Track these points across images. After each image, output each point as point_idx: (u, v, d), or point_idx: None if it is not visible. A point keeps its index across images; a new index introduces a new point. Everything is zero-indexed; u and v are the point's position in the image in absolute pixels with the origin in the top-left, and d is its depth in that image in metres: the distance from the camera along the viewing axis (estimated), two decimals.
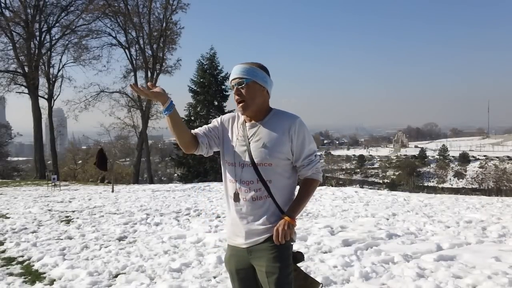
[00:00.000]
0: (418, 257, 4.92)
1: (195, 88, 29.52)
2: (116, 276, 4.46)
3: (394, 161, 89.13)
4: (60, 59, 30.38)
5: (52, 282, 4.35)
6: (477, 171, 62.97)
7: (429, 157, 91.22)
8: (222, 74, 29.82)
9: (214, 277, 4.28)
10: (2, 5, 27.84)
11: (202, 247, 5.73)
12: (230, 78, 2.06)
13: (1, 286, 4.21)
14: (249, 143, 2.02)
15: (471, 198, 14.51)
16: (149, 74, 29.88)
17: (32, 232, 7.05)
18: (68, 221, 8.32)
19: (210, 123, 2.23)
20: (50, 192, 16.36)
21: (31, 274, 4.65)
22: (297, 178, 2.10)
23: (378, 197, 13.11)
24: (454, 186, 64.83)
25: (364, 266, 4.56)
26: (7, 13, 28.24)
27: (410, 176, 68.62)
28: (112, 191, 15.98)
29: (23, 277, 4.55)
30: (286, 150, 1.99)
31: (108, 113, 30.04)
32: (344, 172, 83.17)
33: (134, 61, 30.42)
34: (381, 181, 71.50)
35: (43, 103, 29.41)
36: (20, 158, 73.15)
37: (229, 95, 29.29)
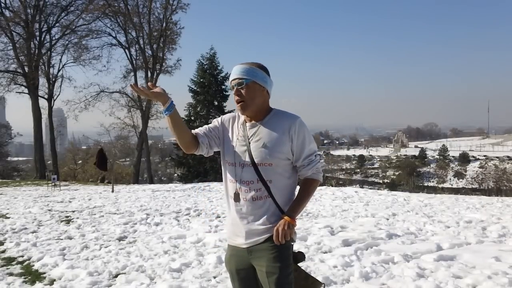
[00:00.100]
0: (418, 257, 4.92)
1: (195, 88, 29.53)
2: (116, 276, 4.46)
3: (394, 161, 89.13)
4: (60, 59, 30.45)
5: (52, 282, 4.35)
6: (477, 171, 62.95)
7: (429, 157, 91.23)
8: (222, 74, 29.84)
9: (214, 277, 4.28)
10: (2, 5, 27.89)
11: (202, 247, 5.73)
12: (230, 79, 2.06)
13: (1, 286, 4.21)
14: (249, 143, 2.02)
15: (471, 198, 14.52)
16: (149, 74, 29.89)
17: (32, 232, 7.05)
18: (68, 221, 8.32)
19: (210, 123, 2.23)
20: (50, 192, 16.36)
21: (31, 274, 4.65)
22: (297, 178, 2.10)
23: (378, 197, 13.11)
24: (454, 186, 64.81)
25: (364, 266, 4.56)
26: (7, 13, 28.28)
27: (410, 176, 68.62)
28: (112, 191, 15.98)
29: (23, 277, 4.55)
30: (286, 150, 1.99)
31: (108, 113, 30.10)
32: (344, 172, 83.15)
33: (134, 61, 30.45)
34: (381, 181, 71.48)
35: (43, 103, 29.48)
36: (20, 158, 73.16)
37: (229, 95, 29.29)
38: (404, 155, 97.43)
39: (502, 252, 5.06)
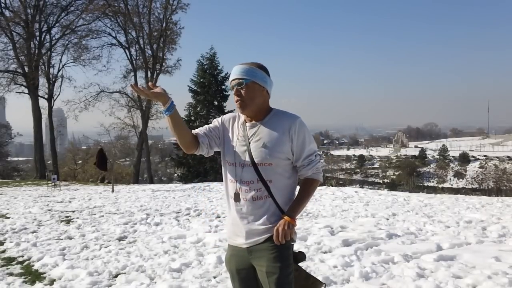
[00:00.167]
0: (418, 257, 4.92)
1: (195, 88, 29.53)
2: (116, 276, 4.46)
3: (394, 161, 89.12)
4: (60, 59, 30.46)
5: (52, 282, 4.35)
6: (477, 171, 62.96)
7: (429, 157, 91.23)
8: (222, 74, 29.84)
9: (214, 277, 4.28)
10: (2, 5, 27.89)
11: (202, 247, 5.73)
12: (230, 79, 2.06)
13: (1, 286, 4.21)
14: (249, 143, 2.02)
15: (471, 198, 14.51)
16: (149, 74, 29.89)
17: (32, 232, 7.05)
18: (68, 221, 8.32)
19: (210, 123, 2.23)
20: (50, 192, 16.36)
21: (31, 274, 4.65)
22: (298, 178, 2.10)
23: (378, 197, 13.11)
24: (454, 186, 64.81)
25: (364, 266, 4.56)
26: (7, 13, 28.29)
27: (410, 176, 68.62)
28: (112, 191, 15.98)
29: (23, 277, 4.55)
30: (286, 150, 1.99)
31: (108, 113, 30.11)
32: (344, 172, 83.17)
33: (134, 61, 30.46)
34: (381, 181, 71.47)
35: (43, 103, 29.49)
36: (20, 158, 73.16)
37: (229, 95, 29.30)
38: (404, 155, 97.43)
39: (502, 252, 5.06)
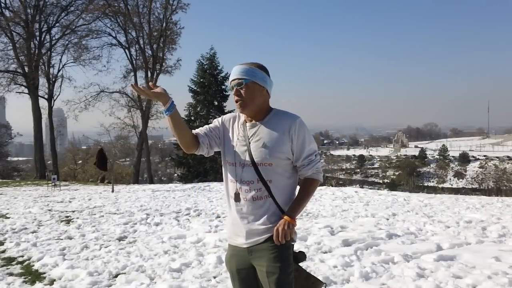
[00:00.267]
0: (418, 257, 4.92)
1: (195, 88, 29.53)
2: (116, 276, 4.46)
3: (394, 161, 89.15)
4: (60, 59, 30.47)
5: (52, 282, 4.35)
6: (477, 171, 62.99)
7: (429, 157, 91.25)
8: (222, 74, 29.85)
9: (214, 277, 4.28)
10: (2, 5, 27.90)
11: (202, 247, 5.73)
12: (230, 79, 2.06)
13: (1, 286, 4.21)
14: (250, 143, 2.02)
15: (471, 198, 14.52)
16: (149, 74, 29.91)
17: (32, 232, 7.05)
18: (68, 221, 8.32)
19: (210, 123, 2.23)
20: (50, 192, 16.36)
21: (31, 274, 4.65)
22: (298, 178, 2.10)
23: (378, 197, 13.11)
24: (454, 186, 64.83)
25: (364, 266, 4.56)
26: (7, 13, 28.29)
27: (410, 176, 68.63)
28: (112, 191, 15.98)
29: (23, 277, 4.55)
30: (286, 150, 1.99)
31: (108, 113, 30.12)
32: (344, 172, 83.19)
33: (134, 61, 30.47)
34: (381, 181, 71.50)
35: (43, 103, 29.50)
36: (20, 158, 73.18)
37: (229, 95, 29.30)
38: (404, 155, 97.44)
39: (502, 252, 5.06)
